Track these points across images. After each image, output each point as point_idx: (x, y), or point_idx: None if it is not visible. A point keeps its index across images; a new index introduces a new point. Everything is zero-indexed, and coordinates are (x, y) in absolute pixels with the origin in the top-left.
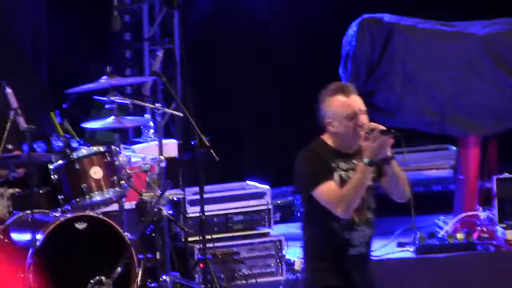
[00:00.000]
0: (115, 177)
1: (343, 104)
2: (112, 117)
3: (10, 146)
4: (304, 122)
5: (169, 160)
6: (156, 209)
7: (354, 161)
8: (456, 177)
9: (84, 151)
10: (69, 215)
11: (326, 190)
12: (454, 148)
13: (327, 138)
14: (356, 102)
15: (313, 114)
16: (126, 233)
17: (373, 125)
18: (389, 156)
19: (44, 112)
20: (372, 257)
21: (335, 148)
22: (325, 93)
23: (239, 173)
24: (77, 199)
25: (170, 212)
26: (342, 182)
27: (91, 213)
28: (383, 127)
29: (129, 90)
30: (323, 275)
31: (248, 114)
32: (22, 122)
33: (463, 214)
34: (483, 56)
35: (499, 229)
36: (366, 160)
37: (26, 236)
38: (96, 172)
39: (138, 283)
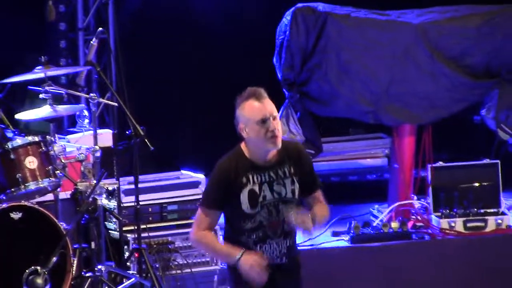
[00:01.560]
0: (50, 167)
1: (254, 109)
2: (47, 106)
3: None
4: None
5: (104, 149)
6: (91, 199)
7: (271, 173)
8: (391, 166)
9: (19, 141)
10: (4, 205)
11: (200, 218)
12: (389, 137)
13: (244, 147)
14: (268, 106)
15: None
16: (61, 223)
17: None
18: (315, 224)
19: None
20: (300, 248)
21: (251, 159)
22: (239, 99)
23: (174, 163)
24: (12, 189)
25: (106, 201)
26: (253, 197)
27: (27, 203)
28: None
29: (63, 80)
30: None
31: (183, 104)
32: None
33: (398, 203)
34: (418, 45)
35: (434, 217)
36: (238, 256)
37: None
38: (31, 162)
39: (73, 273)
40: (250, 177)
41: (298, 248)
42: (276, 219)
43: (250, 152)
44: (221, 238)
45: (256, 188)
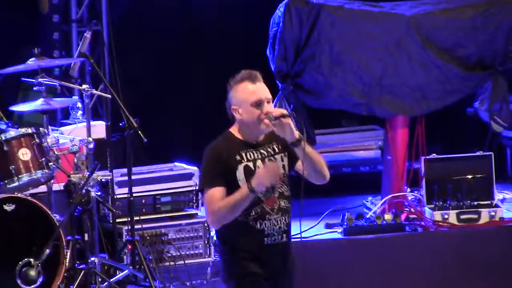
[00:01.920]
0: (43, 159)
1: (249, 91)
2: (41, 98)
3: None
4: None
5: (97, 141)
6: (84, 191)
7: (262, 151)
8: (384, 158)
9: (12, 132)
10: None
11: (208, 197)
12: (382, 129)
13: (234, 130)
14: (262, 89)
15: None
16: (54, 215)
17: (277, 111)
18: (297, 138)
19: None
20: (293, 240)
21: (242, 139)
22: (233, 81)
23: (167, 155)
24: (6, 181)
25: (99, 193)
26: (248, 173)
27: (20, 195)
28: (284, 111)
29: (57, 72)
30: (240, 264)
31: (176, 95)
32: None
33: (391, 195)
34: (411, 36)
35: (427, 210)
36: (251, 186)
37: None
38: (25, 154)
39: (67, 265)
40: (243, 154)
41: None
42: (272, 195)
43: (241, 133)
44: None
45: (251, 164)
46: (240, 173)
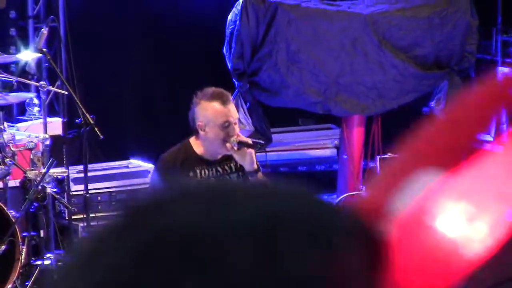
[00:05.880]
0: None
1: (218, 112)
2: None
3: None
4: (189, 101)
5: (54, 138)
6: (40, 187)
7: (218, 168)
8: (340, 157)
9: None
10: None
11: None
12: (338, 127)
13: (194, 143)
14: (232, 111)
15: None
16: (10, 211)
17: (242, 138)
18: (255, 169)
19: None
20: None
21: (200, 154)
22: (202, 96)
23: (123, 152)
24: None
25: (54, 190)
26: None
27: None
28: (250, 141)
29: (13, 68)
30: None
31: (133, 93)
32: None
33: (347, 194)
34: (367, 35)
35: None
36: None
37: None
38: None
39: (22, 261)
40: (198, 171)
41: None
42: None
43: (201, 148)
44: None
45: None
46: None
